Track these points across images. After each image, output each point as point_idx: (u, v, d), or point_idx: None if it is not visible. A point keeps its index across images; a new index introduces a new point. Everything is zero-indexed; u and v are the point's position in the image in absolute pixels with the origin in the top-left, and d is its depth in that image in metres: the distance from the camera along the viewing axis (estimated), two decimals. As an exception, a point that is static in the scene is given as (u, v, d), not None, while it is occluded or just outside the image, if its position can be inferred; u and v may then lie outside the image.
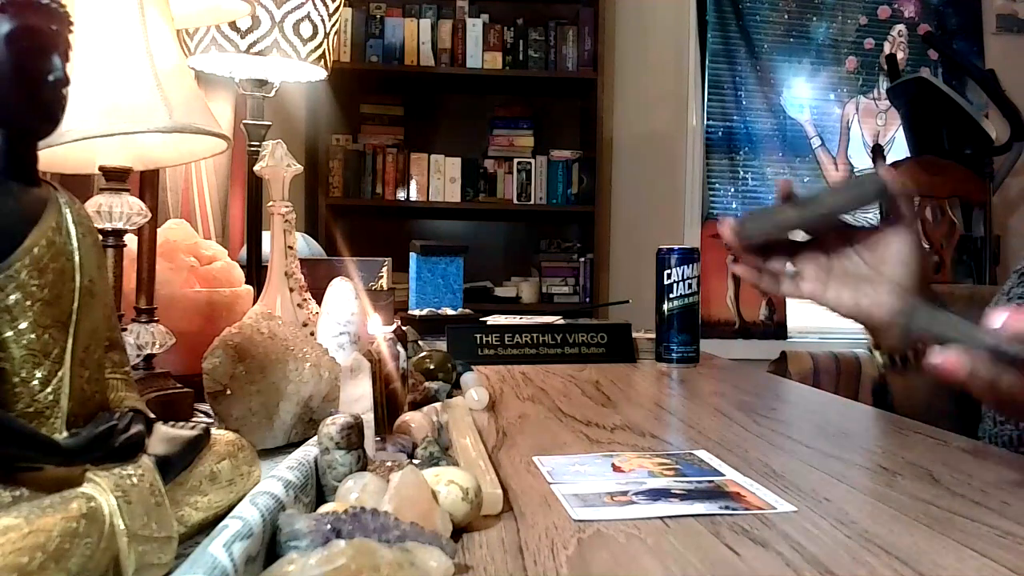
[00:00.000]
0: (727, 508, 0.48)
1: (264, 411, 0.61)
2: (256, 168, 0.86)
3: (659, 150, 3.22)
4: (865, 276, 0.73)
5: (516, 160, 3.02)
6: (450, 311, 1.59)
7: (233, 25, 1.13)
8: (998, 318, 0.51)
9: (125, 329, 0.73)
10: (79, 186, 0.84)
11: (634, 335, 1.26)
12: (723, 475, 0.56)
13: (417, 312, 1.58)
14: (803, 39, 3.33)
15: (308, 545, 0.35)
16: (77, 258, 0.40)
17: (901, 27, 3.37)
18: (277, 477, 0.41)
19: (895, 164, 2.69)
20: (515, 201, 3.01)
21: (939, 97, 2.82)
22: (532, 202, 3.01)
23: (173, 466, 0.41)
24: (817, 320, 3.09)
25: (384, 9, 2.97)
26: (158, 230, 0.83)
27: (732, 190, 3.28)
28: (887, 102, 3.25)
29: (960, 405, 0.78)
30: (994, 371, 0.52)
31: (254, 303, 0.84)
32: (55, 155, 0.63)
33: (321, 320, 0.74)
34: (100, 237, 0.57)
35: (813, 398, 1.01)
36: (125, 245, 0.70)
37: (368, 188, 2.96)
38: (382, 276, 1.60)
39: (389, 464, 0.51)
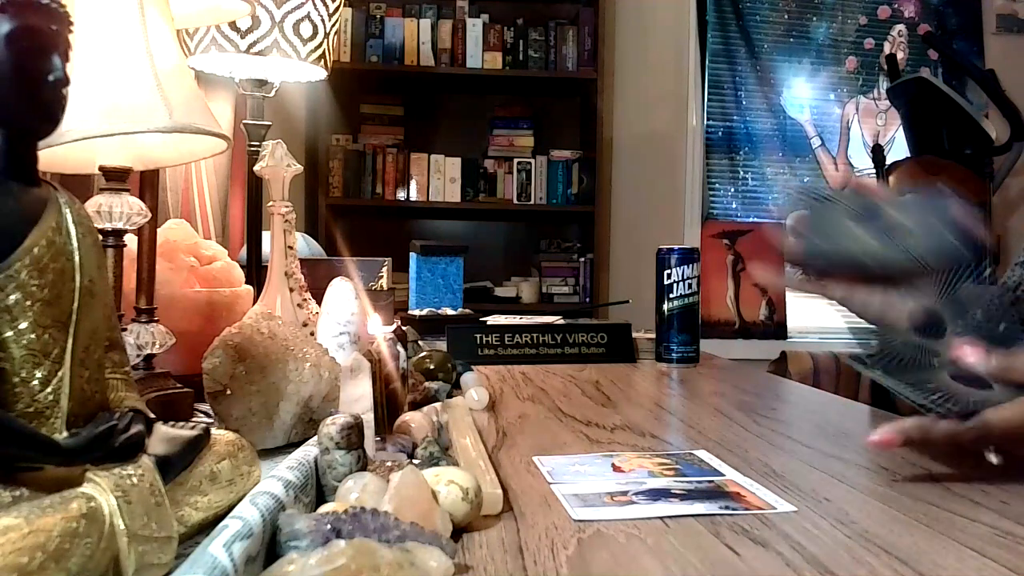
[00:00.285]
0: (727, 508, 0.48)
1: (264, 411, 0.61)
2: (256, 168, 0.86)
3: (659, 150, 3.21)
4: (896, 286, 0.69)
5: (516, 160, 3.02)
6: (450, 311, 1.59)
7: (233, 25, 1.13)
8: (956, 351, 0.55)
9: (125, 329, 0.73)
10: (79, 186, 0.84)
11: (634, 335, 1.26)
12: (723, 475, 0.56)
13: (417, 312, 1.58)
14: (803, 39, 3.33)
15: (308, 545, 0.35)
16: (77, 258, 0.40)
17: (901, 27, 3.37)
18: (277, 477, 0.41)
19: (895, 164, 2.70)
20: (515, 201, 3.01)
21: (939, 97, 2.82)
22: (532, 202, 3.01)
23: (173, 466, 0.41)
24: (817, 320, 3.09)
25: (384, 9, 2.97)
26: (158, 230, 0.83)
27: (732, 190, 3.28)
28: (887, 102, 3.25)
29: None
30: (922, 428, 0.55)
31: (254, 303, 0.84)
32: (55, 155, 0.63)
33: (321, 320, 0.74)
34: (100, 237, 0.57)
35: (813, 398, 1.01)
36: (125, 245, 0.70)
37: (368, 188, 2.96)
38: (382, 276, 1.60)
39: (389, 464, 0.51)
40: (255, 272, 1.18)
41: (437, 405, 0.71)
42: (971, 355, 0.55)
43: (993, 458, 0.54)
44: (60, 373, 0.38)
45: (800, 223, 0.71)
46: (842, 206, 0.69)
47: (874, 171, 2.78)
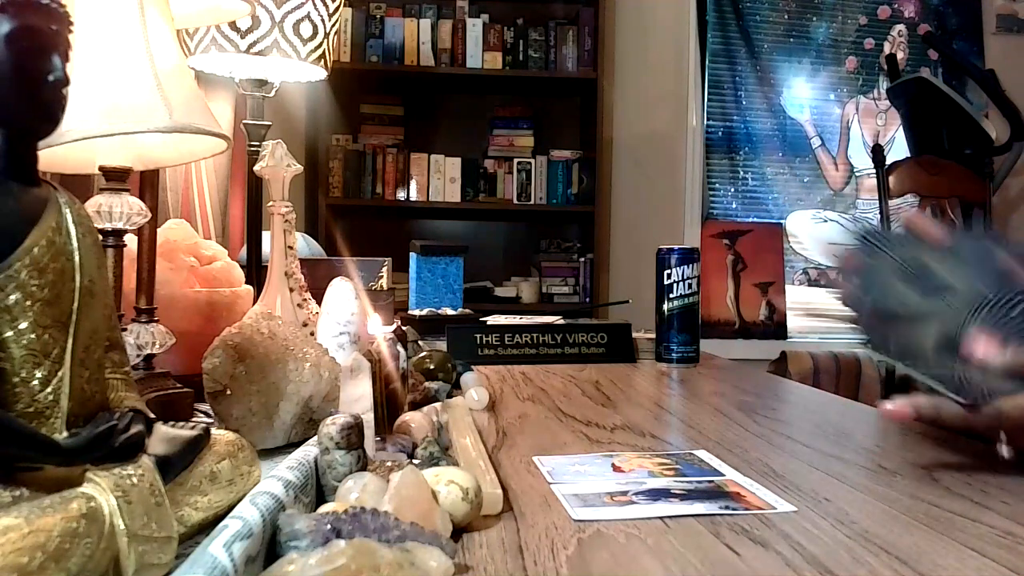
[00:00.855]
0: (727, 508, 0.48)
1: (264, 411, 0.61)
2: (256, 168, 0.86)
3: (659, 150, 3.21)
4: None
5: (516, 160, 3.02)
6: (450, 311, 1.59)
7: (233, 25, 1.13)
8: (971, 345, 0.54)
9: (125, 329, 0.73)
10: (79, 186, 0.84)
11: (634, 335, 1.26)
12: (723, 475, 0.56)
13: (417, 312, 1.58)
14: (803, 39, 3.33)
15: (308, 545, 0.35)
16: (77, 258, 0.40)
17: (901, 27, 3.37)
18: (277, 477, 0.41)
19: (895, 164, 2.69)
20: (515, 201, 3.01)
21: (939, 97, 2.81)
22: (532, 202, 3.01)
23: (173, 466, 0.41)
24: (817, 320, 3.09)
25: (384, 9, 2.97)
26: (158, 230, 0.83)
27: (732, 190, 3.28)
28: (887, 102, 3.25)
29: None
30: (936, 407, 0.54)
31: (254, 303, 0.84)
32: (55, 155, 0.63)
33: (321, 320, 0.74)
34: (100, 237, 0.57)
35: (813, 398, 1.01)
36: (125, 245, 0.70)
37: (368, 188, 2.96)
38: (382, 276, 1.60)
39: (389, 464, 0.51)
40: (255, 272, 1.18)
41: (437, 405, 0.71)
42: (985, 348, 0.54)
43: (1005, 451, 0.54)
44: (60, 373, 0.38)
45: (853, 267, 0.68)
46: (891, 259, 0.66)
47: (874, 171, 2.77)
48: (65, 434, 0.38)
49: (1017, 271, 0.60)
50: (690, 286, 1.18)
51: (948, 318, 0.59)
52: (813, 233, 3.24)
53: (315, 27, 1.18)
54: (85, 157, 0.68)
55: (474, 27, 2.96)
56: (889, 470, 0.58)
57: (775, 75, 3.30)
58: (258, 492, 0.38)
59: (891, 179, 2.61)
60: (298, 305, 0.80)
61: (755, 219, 3.26)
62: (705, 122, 3.23)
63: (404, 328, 0.94)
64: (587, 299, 3.04)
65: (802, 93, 3.33)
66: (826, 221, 3.27)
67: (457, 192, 2.98)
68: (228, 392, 0.60)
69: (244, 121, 1.23)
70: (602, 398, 0.90)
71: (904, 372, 0.59)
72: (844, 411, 0.88)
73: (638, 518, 0.46)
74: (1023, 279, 0.59)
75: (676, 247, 1.19)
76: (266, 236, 1.01)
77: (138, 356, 0.74)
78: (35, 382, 0.37)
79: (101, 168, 0.68)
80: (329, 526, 0.36)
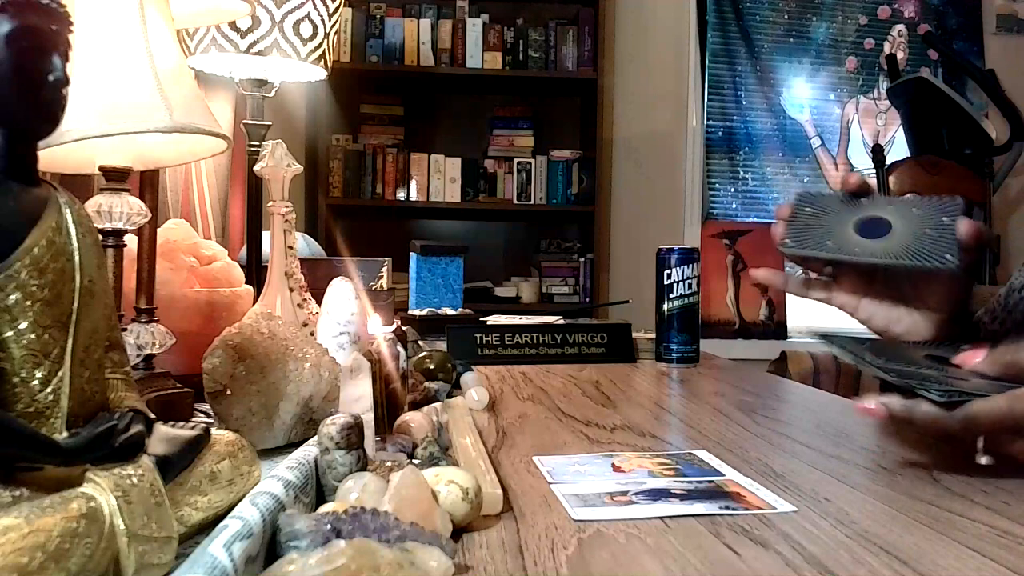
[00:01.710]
0: (727, 508, 0.48)
1: (264, 411, 0.61)
2: (256, 168, 0.86)
3: (659, 150, 3.22)
4: (904, 300, 0.70)
5: (516, 160, 3.02)
6: (450, 311, 1.59)
7: (233, 25, 1.13)
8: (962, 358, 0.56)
9: (125, 329, 0.73)
10: (79, 186, 0.84)
11: (634, 335, 1.26)
12: (723, 475, 0.56)
13: (417, 312, 1.58)
14: (803, 39, 3.33)
15: (308, 545, 0.35)
16: (77, 258, 0.40)
17: (901, 27, 3.37)
18: (277, 477, 0.41)
19: (895, 164, 2.70)
20: (515, 201, 3.01)
21: (939, 97, 2.82)
22: (532, 202, 3.01)
23: (173, 466, 0.41)
24: (817, 320, 3.09)
25: (384, 9, 2.97)
26: (158, 230, 0.83)
27: (732, 190, 3.28)
28: (887, 102, 3.25)
29: None
30: (909, 408, 0.54)
31: (254, 303, 0.84)
32: (55, 155, 0.63)
33: (321, 320, 0.74)
34: (100, 237, 0.57)
35: (813, 398, 1.01)
36: (125, 245, 0.70)
37: (368, 188, 2.96)
38: (382, 276, 1.60)
39: (389, 464, 0.51)
40: (255, 272, 1.18)
41: (437, 405, 0.71)
42: (975, 358, 0.55)
43: (983, 459, 0.53)
44: (60, 373, 0.38)
45: (789, 212, 0.72)
46: (837, 203, 0.70)
47: (874, 171, 2.78)
48: (65, 434, 0.38)
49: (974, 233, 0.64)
50: (690, 286, 1.18)
51: (891, 248, 0.64)
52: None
53: (315, 27, 1.18)
54: (85, 157, 0.68)
55: (474, 27, 2.96)
56: (889, 470, 0.58)
57: (775, 75, 3.30)
58: (258, 492, 0.38)
59: (891, 179, 2.61)
60: (298, 305, 0.80)
61: (755, 219, 3.26)
62: (705, 122, 3.23)
63: (404, 328, 0.94)
64: (587, 299, 3.04)
65: (802, 93, 3.33)
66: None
67: (457, 192, 2.98)
68: (228, 392, 0.60)
69: (244, 121, 1.23)
70: (602, 398, 0.90)
71: (859, 367, 0.59)
72: (844, 411, 0.88)
73: (638, 518, 0.46)
74: (972, 230, 0.63)
75: (676, 247, 1.19)
76: (266, 236, 1.01)
77: (138, 356, 0.74)
78: (35, 382, 0.37)
79: (101, 168, 0.68)
80: (329, 526, 0.36)
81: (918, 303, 0.69)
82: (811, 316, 3.09)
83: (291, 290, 0.80)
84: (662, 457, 0.61)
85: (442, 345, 1.14)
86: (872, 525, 0.45)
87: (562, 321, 1.37)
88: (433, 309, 1.60)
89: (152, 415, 0.43)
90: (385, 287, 1.59)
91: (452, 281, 1.67)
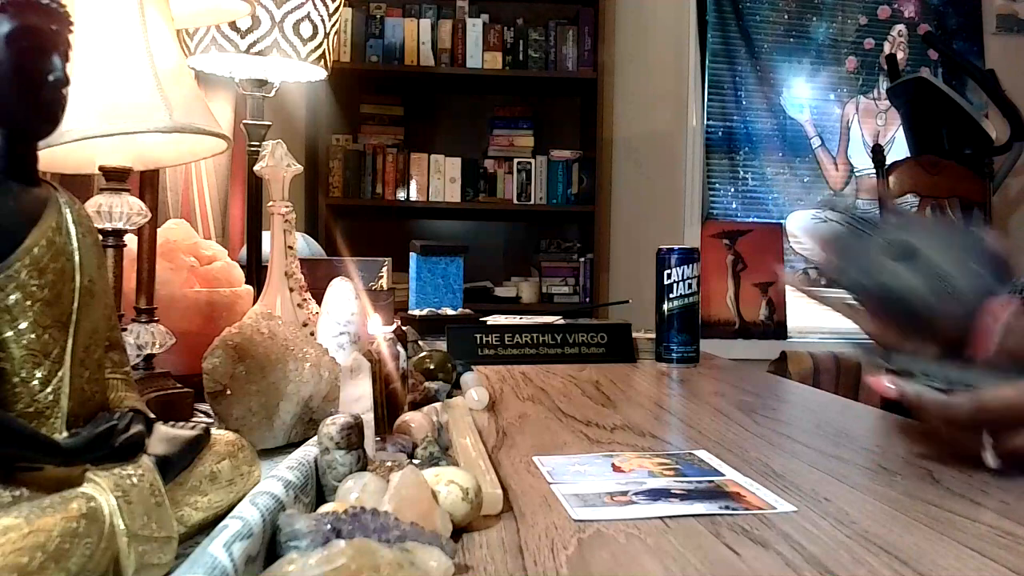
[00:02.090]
0: (727, 508, 0.48)
1: (264, 411, 0.61)
2: (256, 168, 0.86)
3: (659, 150, 3.22)
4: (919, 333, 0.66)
5: (516, 160, 3.02)
6: (450, 311, 1.59)
7: (233, 25, 1.13)
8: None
9: (125, 329, 0.73)
10: (79, 186, 0.84)
11: (634, 335, 1.26)
12: (723, 475, 0.56)
13: (417, 312, 1.58)
14: (803, 39, 3.33)
15: (308, 545, 0.35)
16: (77, 258, 0.40)
17: (901, 27, 3.37)
18: (277, 477, 0.41)
19: (895, 164, 2.69)
20: (515, 201, 3.01)
21: (939, 97, 2.82)
22: (532, 202, 3.01)
23: (173, 466, 0.41)
24: (817, 320, 3.09)
25: (384, 9, 2.97)
26: (158, 230, 0.83)
27: (732, 190, 3.28)
28: (887, 102, 3.25)
29: None
30: (919, 394, 0.55)
31: (254, 303, 0.84)
32: (55, 155, 0.63)
33: (321, 320, 0.74)
34: (100, 237, 0.57)
35: (813, 398, 1.01)
36: (125, 245, 0.70)
37: (368, 188, 2.96)
38: (382, 276, 1.60)
39: (389, 464, 0.51)
40: (255, 272, 1.18)
41: (437, 405, 0.71)
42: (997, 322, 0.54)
43: (990, 459, 0.53)
44: (60, 373, 0.38)
45: (830, 246, 0.69)
46: (876, 238, 0.66)
47: (874, 171, 2.77)
48: (65, 434, 0.38)
49: (1005, 257, 0.61)
50: (690, 286, 1.18)
51: (954, 304, 0.60)
52: (807, 227, 3.24)
53: (315, 27, 1.18)
54: (85, 157, 0.68)
55: (474, 27, 2.96)
56: (889, 470, 0.58)
57: (775, 75, 3.30)
58: (258, 492, 0.38)
59: (891, 179, 2.61)
60: (298, 305, 0.80)
61: (755, 219, 3.26)
62: (705, 122, 3.23)
63: (404, 328, 0.94)
64: (587, 299, 3.04)
65: (802, 93, 3.33)
66: (825, 220, 3.26)
67: (457, 192, 2.98)
68: (228, 392, 0.60)
69: (244, 121, 1.23)
70: (602, 398, 0.90)
71: (899, 368, 0.59)
72: (844, 411, 0.88)
73: (638, 518, 0.46)
74: (1013, 266, 0.60)
75: (676, 247, 1.19)
76: (266, 236, 1.01)
77: (138, 356, 0.74)
78: (35, 382, 0.37)
79: (101, 168, 0.68)
80: (329, 526, 0.36)
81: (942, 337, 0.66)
82: (811, 316, 3.10)
83: (291, 290, 0.80)
84: (662, 457, 0.61)
85: (442, 345, 1.14)
86: (872, 525, 0.45)
87: (562, 321, 1.37)
88: (433, 309, 1.60)
89: (152, 415, 0.43)
90: (385, 287, 1.59)
91: (452, 281, 1.67)
